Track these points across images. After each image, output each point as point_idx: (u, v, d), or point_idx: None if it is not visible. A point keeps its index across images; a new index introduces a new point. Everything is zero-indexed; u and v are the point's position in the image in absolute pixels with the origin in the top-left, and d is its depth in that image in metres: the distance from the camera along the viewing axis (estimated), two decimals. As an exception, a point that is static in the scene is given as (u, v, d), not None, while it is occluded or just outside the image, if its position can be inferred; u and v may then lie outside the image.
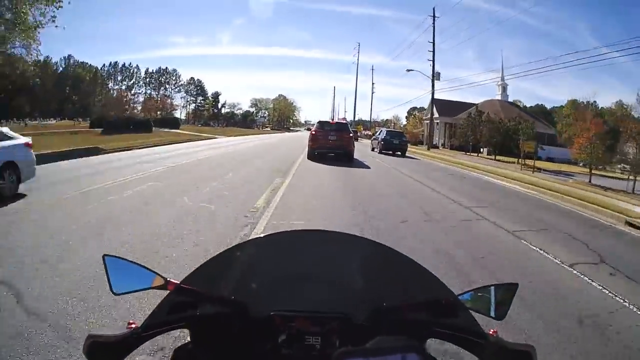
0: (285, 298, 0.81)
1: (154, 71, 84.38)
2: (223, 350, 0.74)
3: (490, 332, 0.73)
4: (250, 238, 0.86)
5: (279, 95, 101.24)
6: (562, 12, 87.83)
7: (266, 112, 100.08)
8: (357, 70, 69.56)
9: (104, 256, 0.79)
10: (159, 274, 0.78)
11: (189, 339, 0.77)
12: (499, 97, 43.38)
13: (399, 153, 21.54)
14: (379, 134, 25.24)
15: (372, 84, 63.80)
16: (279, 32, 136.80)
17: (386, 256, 0.84)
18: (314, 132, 15.54)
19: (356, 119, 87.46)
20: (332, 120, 23.69)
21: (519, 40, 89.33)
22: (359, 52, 63.75)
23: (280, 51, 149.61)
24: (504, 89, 44.04)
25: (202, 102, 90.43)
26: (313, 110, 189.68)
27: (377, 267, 0.88)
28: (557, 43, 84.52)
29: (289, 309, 0.78)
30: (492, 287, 0.80)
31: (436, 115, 39.23)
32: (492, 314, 0.79)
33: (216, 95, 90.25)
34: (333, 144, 15.07)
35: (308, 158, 14.97)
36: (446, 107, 39.70)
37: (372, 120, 64.37)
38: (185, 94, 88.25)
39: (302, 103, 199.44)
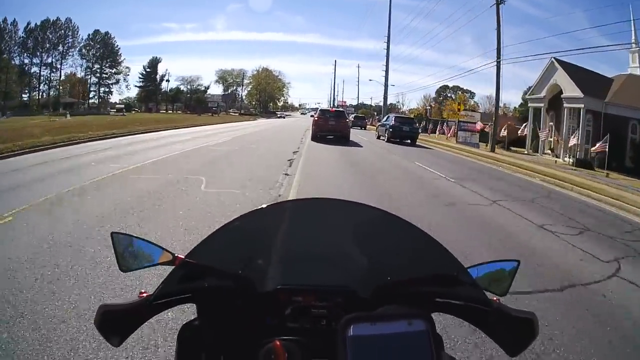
0: (291, 272, 0.81)
1: (36, 27, 50.08)
2: (229, 325, 0.74)
3: (494, 299, 0.73)
4: (254, 209, 0.81)
5: (261, 69, 72.32)
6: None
7: (239, 90, 71.69)
8: (390, 20, 43.33)
9: (112, 234, 0.80)
10: (166, 250, 0.79)
11: (195, 315, 0.76)
12: (633, 70, 24.30)
13: (409, 141, 19.99)
14: (386, 120, 22.41)
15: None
16: (272, 17, 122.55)
17: (394, 226, 0.81)
18: (317, 119, 18.11)
19: (365, 102, 68.04)
20: (332, 108, 24.72)
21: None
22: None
23: (274, 36, 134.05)
24: (644, 56, 24.90)
25: (110, 69, 56.14)
26: (309, 93, 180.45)
27: (385, 237, 0.84)
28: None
29: (294, 283, 0.78)
30: (494, 263, 0.81)
31: (575, 93, 19.79)
32: (495, 289, 0.79)
33: (154, 64, 59.31)
34: (332, 128, 17.40)
35: (312, 140, 16.96)
36: (586, 80, 20.30)
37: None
38: (79, 59, 54.09)
39: (298, 88, 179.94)
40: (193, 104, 58.79)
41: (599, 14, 63.24)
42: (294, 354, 0.65)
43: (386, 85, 39.74)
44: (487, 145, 22.19)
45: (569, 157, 19.30)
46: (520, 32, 71.18)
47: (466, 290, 0.74)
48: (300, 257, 0.82)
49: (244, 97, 73.76)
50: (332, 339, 0.61)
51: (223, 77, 69.08)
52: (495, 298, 0.74)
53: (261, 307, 0.75)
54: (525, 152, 22.16)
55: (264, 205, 0.82)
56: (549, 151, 21.42)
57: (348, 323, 0.59)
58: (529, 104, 23.71)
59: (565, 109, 20.26)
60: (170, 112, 56.76)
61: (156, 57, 60.68)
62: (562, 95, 20.20)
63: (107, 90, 57.43)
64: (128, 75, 58.34)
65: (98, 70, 55.47)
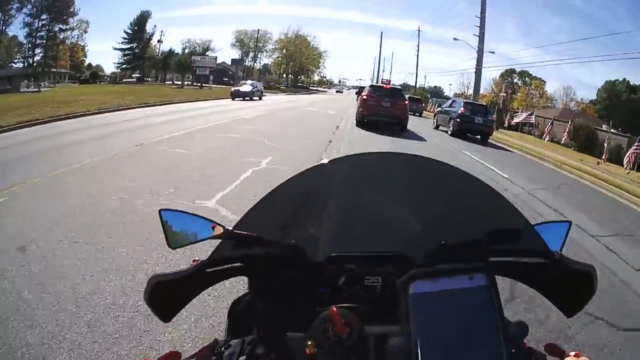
0: (343, 240, 0.79)
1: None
2: (282, 296, 0.73)
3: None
4: (304, 169, 0.75)
5: (290, 32, 55.43)
6: None
7: (260, 57, 56.65)
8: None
9: (160, 211, 0.77)
10: (217, 223, 0.75)
11: (247, 290, 0.76)
12: None
13: (479, 137, 14.91)
14: (450, 106, 16.52)
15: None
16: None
17: (454, 178, 0.78)
18: (365, 97, 13.93)
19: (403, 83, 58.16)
20: (386, 84, 16.03)
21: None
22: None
23: (314, 11, 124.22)
24: None
25: (59, 24, 36.32)
26: (350, 68, 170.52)
27: (443, 192, 0.81)
28: None
29: (347, 250, 0.76)
30: (548, 224, 0.79)
31: None
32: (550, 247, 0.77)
33: (142, 21, 44.39)
34: (386, 111, 13.28)
35: (357, 125, 13.62)
36: None
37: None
38: (19, 12, 34.53)
39: (337, 63, 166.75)
40: (172, 68, 44.90)
41: None
42: (351, 321, 0.63)
43: (480, 48, 25.08)
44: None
45: None
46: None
47: (525, 246, 0.72)
48: (353, 223, 0.79)
49: (270, 66, 61.61)
50: (388, 306, 0.63)
51: (241, 40, 53.73)
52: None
53: (314, 277, 0.73)
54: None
55: (325, 161, 0.79)
56: None
57: (409, 280, 0.59)
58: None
59: None
60: (158, 82, 43.77)
61: (145, 11, 45.41)
62: None
63: (53, 53, 37.53)
64: (87, 32, 40.87)
65: (42, 29, 36.36)
